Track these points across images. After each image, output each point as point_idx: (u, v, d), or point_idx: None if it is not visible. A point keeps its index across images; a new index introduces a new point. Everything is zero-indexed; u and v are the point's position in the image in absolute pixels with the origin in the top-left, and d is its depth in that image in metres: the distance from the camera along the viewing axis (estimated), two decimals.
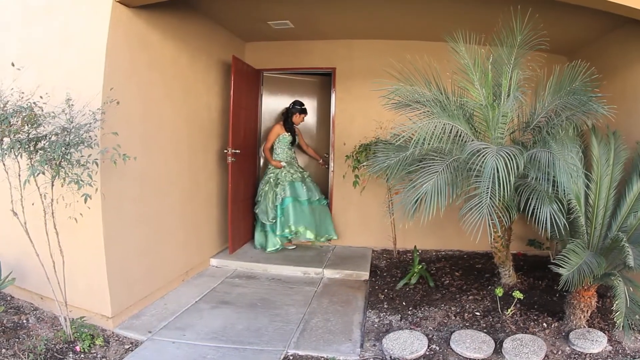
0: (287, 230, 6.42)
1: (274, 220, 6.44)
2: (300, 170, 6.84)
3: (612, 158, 4.33)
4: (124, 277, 4.17)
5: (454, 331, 3.91)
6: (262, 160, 7.34)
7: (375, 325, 4.21)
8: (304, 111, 6.84)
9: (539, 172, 3.78)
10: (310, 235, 6.52)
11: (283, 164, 6.61)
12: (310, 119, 7.56)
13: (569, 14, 4.58)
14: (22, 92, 3.31)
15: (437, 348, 3.72)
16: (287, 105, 6.87)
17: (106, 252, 3.92)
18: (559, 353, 3.62)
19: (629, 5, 3.74)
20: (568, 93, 4.04)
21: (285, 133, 6.69)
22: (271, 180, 6.56)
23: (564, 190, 3.61)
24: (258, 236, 6.61)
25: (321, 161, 7.32)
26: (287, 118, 6.76)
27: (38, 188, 3.40)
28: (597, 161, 4.30)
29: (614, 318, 3.45)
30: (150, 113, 4.55)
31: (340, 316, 4.43)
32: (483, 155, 3.59)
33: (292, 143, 6.80)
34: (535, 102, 4.34)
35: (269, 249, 6.41)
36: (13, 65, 3.40)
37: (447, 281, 5.38)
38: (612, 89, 4.59)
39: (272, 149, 6.74)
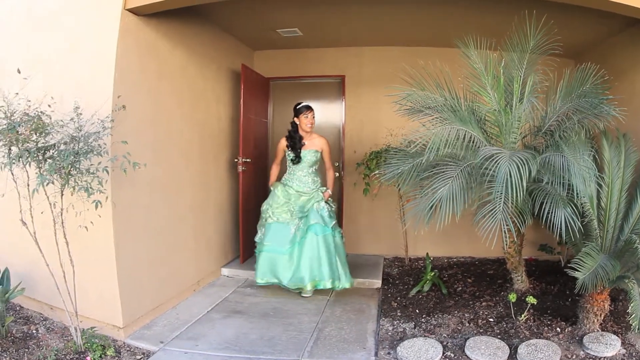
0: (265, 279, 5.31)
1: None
2: (305, 193, 5.44)
3: (622, 160, 4.30)
4: (135, 286, 4.14)
5: (468, 338, 3.88)
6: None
7: (389, 333, 4.17)
8: (307, 108, 5.36)
9: (553, 176, 3.76)
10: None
11: (265, 207, 5.46)
12: (323, 126, 6.78)
13: (576, 17, 4.58)
14: (29, 100, 3.27)
15: (452, 355, 3.69)
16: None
17: (117, 261, 3.89)
18: (574, 357, 3.59)
19: (635, 5, 3.74)
20: (579, 96, 4.04)
21: (287, 148, 5.48)
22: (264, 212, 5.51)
23: (578, 194, 3.59)
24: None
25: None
26: (291, 129, 5.49)
27: (47, 197, 3.37)
28: (608, 164, 4.28)
29: (627, 321, 3.48)
30: (159, 121, 4.54)
31: (354, 324, 4.39)
32: (496, 161, 3.58)
33: (294, 162, 5.41)
34: (547, 106, 4.32)
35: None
36: (19, 72, 3.36)
37: (460, 288, 5.35)
38: (621, 91, 4.55)
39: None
